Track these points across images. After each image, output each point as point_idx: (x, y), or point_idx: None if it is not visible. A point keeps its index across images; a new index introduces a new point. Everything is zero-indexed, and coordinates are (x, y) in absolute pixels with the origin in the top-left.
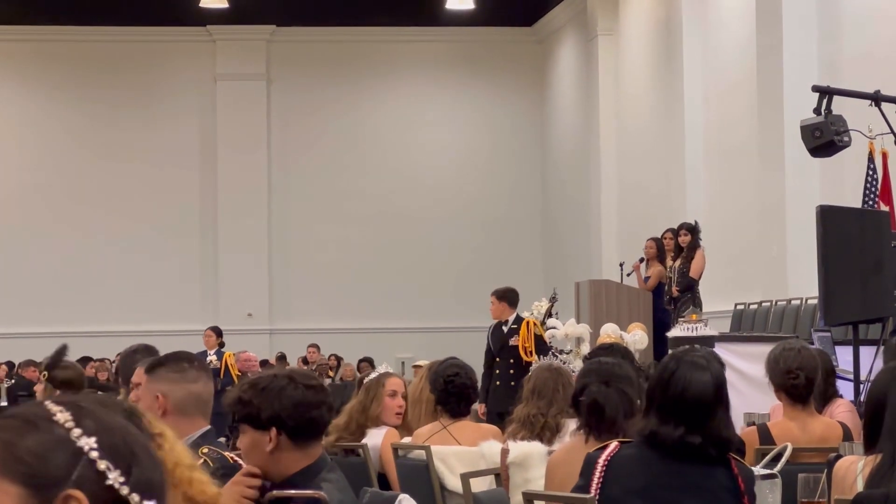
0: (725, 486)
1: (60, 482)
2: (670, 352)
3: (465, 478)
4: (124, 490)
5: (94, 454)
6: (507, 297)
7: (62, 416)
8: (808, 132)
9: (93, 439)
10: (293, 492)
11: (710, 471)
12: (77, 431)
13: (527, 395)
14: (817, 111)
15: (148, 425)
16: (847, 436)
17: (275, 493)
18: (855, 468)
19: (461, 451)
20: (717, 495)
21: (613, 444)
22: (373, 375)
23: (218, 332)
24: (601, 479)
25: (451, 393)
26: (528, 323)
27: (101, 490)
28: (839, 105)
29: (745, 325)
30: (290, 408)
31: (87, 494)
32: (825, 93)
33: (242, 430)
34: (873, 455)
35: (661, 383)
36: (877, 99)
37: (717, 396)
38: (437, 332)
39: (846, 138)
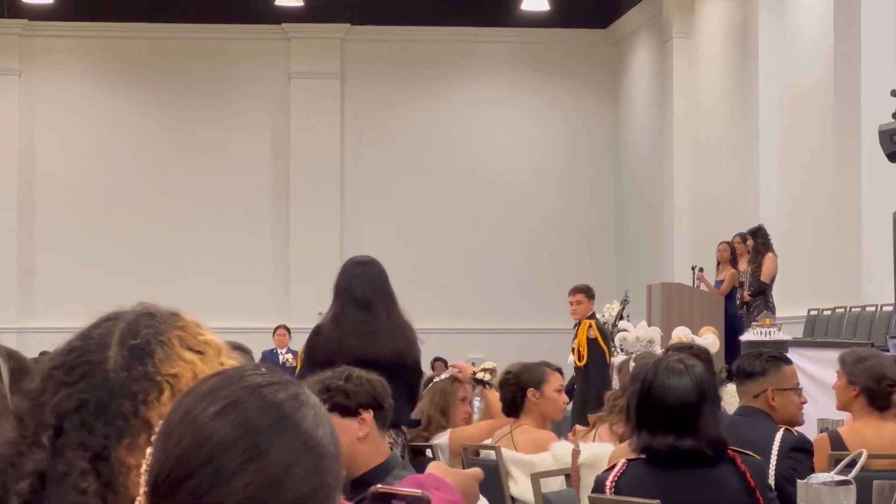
0: (737, 486)
1: None
2: (646, 363)
3: (536, 478)
4: None
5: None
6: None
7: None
8: (886, 137)
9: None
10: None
11: (717, 473)
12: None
13: (628, 385)
14: None
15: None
16: None
17: (380, 487)
18: None
19: (518, 458)
20: (734, 497)
21: (621, 463)
22: (444, 377)
23: (288, 331)
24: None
25: (503, 394)
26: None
27: None
28: None
29: (819, 331)
30: (382, 391)
31: None
32: None
33: None
34: None
35: (642, 395)
36: None
37: (700, 397)
38: (508, 334)
39: None
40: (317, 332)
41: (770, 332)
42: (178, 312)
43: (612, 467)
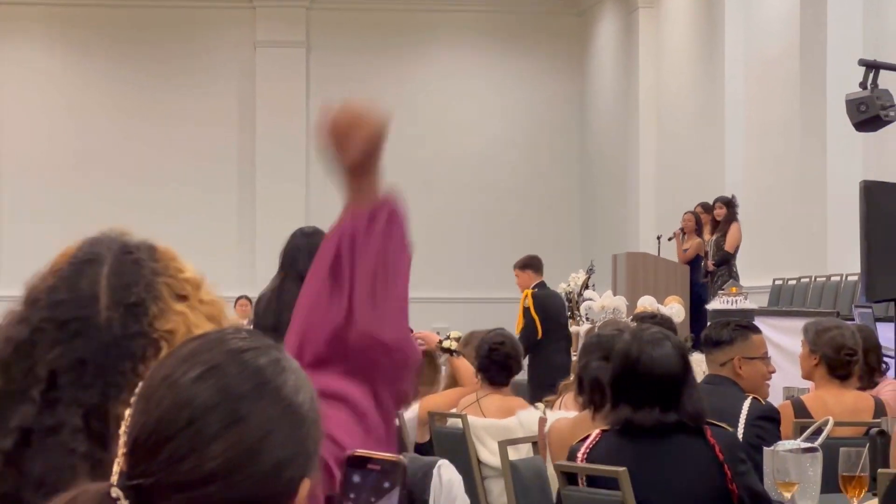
0: (707, 457)
1: None
2: (624, 336)
3: (503, 446)
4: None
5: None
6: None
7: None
8: (853, 106)
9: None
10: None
11: (689, 445)
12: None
13: (581, 356)
14: (863, 85)
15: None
16: (880, 409)
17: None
18: None
19: (489, 423)
20: (702, 469)
21: (594, 434)
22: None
23: (250, 302)
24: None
25: (493, 360)
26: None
27: None
28: (885, 80)
29: (784, 301)
30: None
31: None
32: (872, 67)
33: None
34: None
35: (628, 369)
36: None
37: (684, 367)
38: (472, 303)
39: (892, 113)
40: (258, 302)
41: (736, 301)
42: (153, 246)
43: (586, 438)
